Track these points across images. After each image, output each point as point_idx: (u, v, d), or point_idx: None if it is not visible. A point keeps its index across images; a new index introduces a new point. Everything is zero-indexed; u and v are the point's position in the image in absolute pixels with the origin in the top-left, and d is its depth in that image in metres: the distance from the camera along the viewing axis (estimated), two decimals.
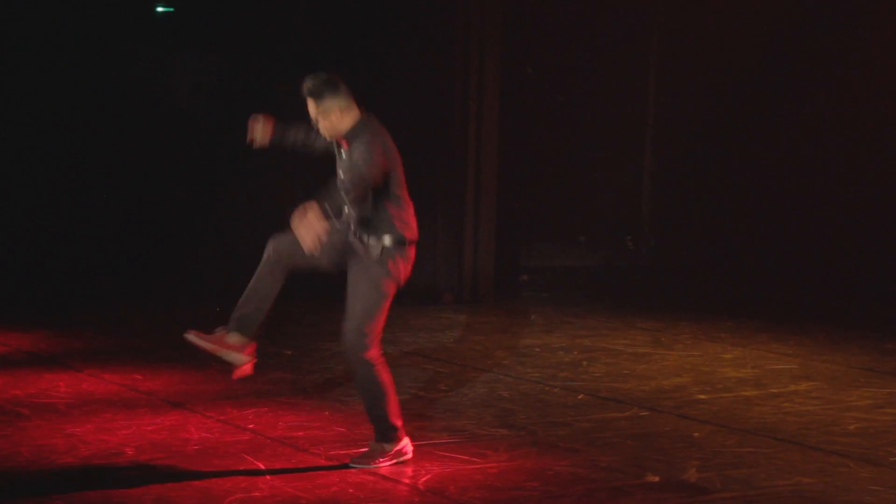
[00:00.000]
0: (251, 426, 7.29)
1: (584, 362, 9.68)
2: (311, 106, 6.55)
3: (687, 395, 8.47)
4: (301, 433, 7.14)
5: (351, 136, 6.54)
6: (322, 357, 9.71)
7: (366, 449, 6.63)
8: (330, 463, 6.54)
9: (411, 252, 6.74)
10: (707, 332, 11.30)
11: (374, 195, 6.52)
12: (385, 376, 6.68)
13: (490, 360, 9.70)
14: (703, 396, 8.45)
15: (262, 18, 14.55)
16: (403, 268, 6.72)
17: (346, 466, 6.46)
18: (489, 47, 12.95)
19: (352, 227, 6.63)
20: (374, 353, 6.70)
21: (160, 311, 12.11)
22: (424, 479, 6.29)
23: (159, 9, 14.40)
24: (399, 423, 6.60)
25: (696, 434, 7.36)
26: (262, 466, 6.42)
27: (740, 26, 13.66)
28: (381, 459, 6.52)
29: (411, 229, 6.75)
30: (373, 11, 13.70)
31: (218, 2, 14.40)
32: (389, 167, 6.58)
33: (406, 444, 6.64)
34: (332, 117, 6.51)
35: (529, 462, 6.65)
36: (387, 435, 6.57)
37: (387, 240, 6.61)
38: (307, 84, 6.57)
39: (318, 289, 13.92)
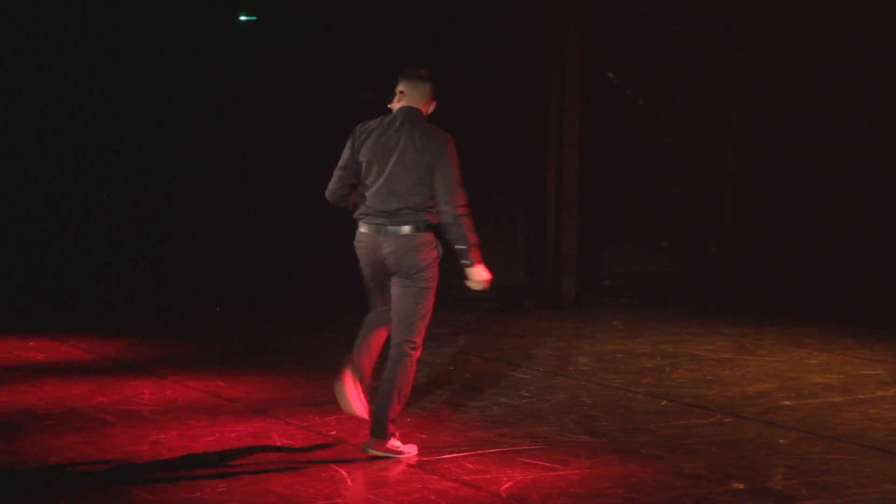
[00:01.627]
0: (333, 433, 7.31)
1: (667, 368, 9.60)
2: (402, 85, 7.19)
3: (772, 402, 8.38)
4: None
5: None
6: None
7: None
8: (412, 469, 6.54)
9: (357, 237, 6.95)
10: (791, 337, 11.17)
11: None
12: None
13: (572, 367, 9.66)
14: (788, 402, 8.35)
15: (343, 27, 14.62)
16: (357, 246, 6.94)
17: (428, 472, 6.46)
18: (570, 53, 12.91)
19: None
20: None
21: (242, 318, 12.20)
22: (506, 485, 6.26)
23: (242, 17, 14.51)
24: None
25: (781, 441, 7.27)
26: (345, 473, 6.43)
27: (824, 32, 13.50)
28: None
29: (358, 214, 6.96)
30: (453, 18, 13.69)
31: (300, 10, 14.49)
32: (347, 156, 7.06)
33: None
34: (394, 99, 7.16)
35: (612, 469, 6.60)
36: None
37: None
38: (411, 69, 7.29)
39: None
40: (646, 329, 11.63)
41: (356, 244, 6.96)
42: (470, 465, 6.60)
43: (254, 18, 14.59)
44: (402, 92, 7.15)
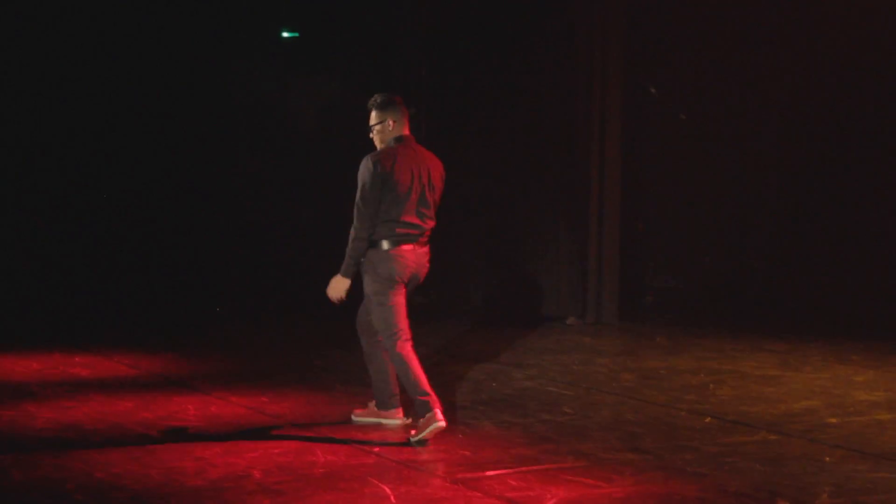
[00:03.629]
0: (376, 449, 7.32)
1: (711, 385, 9.55)
2: (373, 116, 7.80)
3: (817, 419, 8.32)
4: (426, 456, 7.14)
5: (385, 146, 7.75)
6: (446, 380, 9.72)
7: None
8: (455, 486, 6.53)
9: (396, 255, 7.60)
10: (837, 354, 11.10)
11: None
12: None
13: (615, 383, 9.63)
14: (833, 420, 8.29)
15: (384, 44, 14.68)
16: (384, 269, 7.59)
17: (472, 489, 6.45)
18: (612, 69, 12.89)
19: None
20: (401, 346, 7.64)
21: (285, 334, 12.25)
22: (550, 503, 6.24)
23: (285, 33, 14.60)
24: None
25: (827, 459, 7.21)
26: (388, 490, 6.43)
27: (861, 48, 13.42)
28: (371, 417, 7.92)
29: (393, 240, 7.62)
30: (494, 34, 13.72)
31: (342, 26, 14.56)
32: (375, 182, 7.54)
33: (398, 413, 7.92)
34: (385, 127, 7.75)
35: (656, 487, 6.57)
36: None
37: (371, 250, 7.63)
38: (375, 97, 7.84)
39: (439, 315, 13.98)
40: (689, 345, 11.58)
41: (399, 261, 7.61)
42: (513, 483, 6.58)
43: (296, 35, 14.67)
44: (394, 121, 7.79)
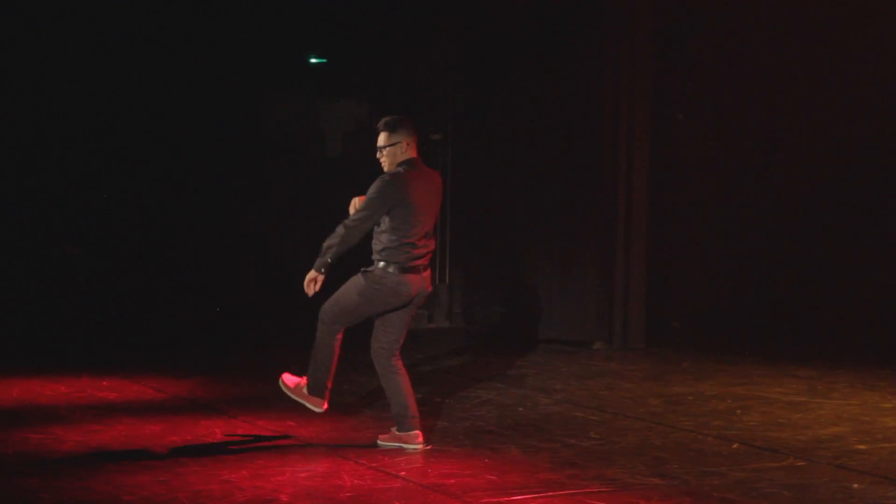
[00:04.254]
0: (403, 473, 7.32)
1: (738, 410, 9.52)
2: (383, 137, 7.87)
3: (845, 445, 8.28)
4: (452, 481, 7.14)
5: (396, 167, 7.85)
6: (473, 404, 9.72)
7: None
8: None
9: (404, 279, 7.83)
10: (864, 380, 11.04)
11: (381, 222, 7.82)
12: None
13: (642, 408, 9.61)
14: (862, 447, 8.25)
15: (411, 69, 14.73)
16: (392, 291, 7.84)
17: None
18: (639, 96, 12.90)
19: None
20: (337, 334, 7.99)
21: (307, 358, 12.24)
22: None
23: (312, 59, 14.67)
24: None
25: (855, 486, 7.17)
26: None
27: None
28: (298, 396, 8.07)
29: (406, 260, 7.83)
30: (521, 58, 13.75)
31: (370, 52, 14.63)
32: (386, 205, 7.75)
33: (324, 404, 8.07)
34: (397, 149, 7.85)
35: None
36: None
37: (381, 263, 7.84)
38: (385, 119, 7.91)
39: (464, 338, 13.99)
40: (716, 371, 11.55)
41: (406, 286, 7.86)
42: None
43: (324, 61, 14.74)
44: (408, 143, 7.90)
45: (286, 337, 13.40)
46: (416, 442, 7.99)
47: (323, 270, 7.83)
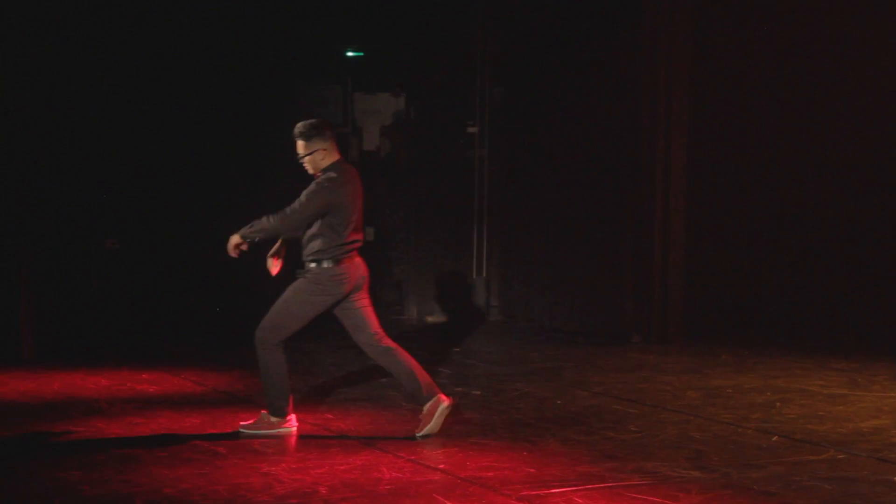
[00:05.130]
0: (441, 466, 7.33)
1: (778, 403, 9.49)
2: (301, 146, 8.09)
3: (886, 438, 8.23)
4: (491, 473, 7.14)
5: (325, 171, 8.07)
6: (511, 397, 9.72)
7: (256, 419, 8.22)
8: (520, 503, 6.54)
9: (342, 270, 8.08)
10: None
11: (312, 225, 8.05)
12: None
13: (681, 401, 9.58)
14: None
15: (449, 63, 14.73)
16: (333, 287, 8.08)
17: None
18: (678, 94, 12.86)
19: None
20: (278, 345, 8.13)
21: (348, 351, 12.28)
22: None
23: (349, 53, 14.69)
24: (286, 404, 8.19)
25: None
26: None
27: None
28: (268, 427, 8.13)
29: (337, 258, 8.08)
30: (558, 54, 13.73)
31: (406, 45, 14.63)
32: (327, 207, 7.99)
33: (292, 419, 8.23)
34: (317, 156, 8.08)
35: None
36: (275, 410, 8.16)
37: (313, 264, 8.06)
38: (298, 127, 8.10)
39: (503, 333, 13.99)
40: (755, 364, 11.50)
41: (343, 275, 8.08)
42: (579, 500, 6.57)
43: (361, 55, 14.76)
44: (324, 150, 8.10)
45: (321, 330, 13.42)
46: (445, 403, 8.11)
47: (247, 240, 8.07)
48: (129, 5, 13.60)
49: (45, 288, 12.27)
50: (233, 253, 8.09)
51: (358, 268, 8.18)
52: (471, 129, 14.77)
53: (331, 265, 8.07)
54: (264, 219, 8.04)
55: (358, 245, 8.20)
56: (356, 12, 14.46)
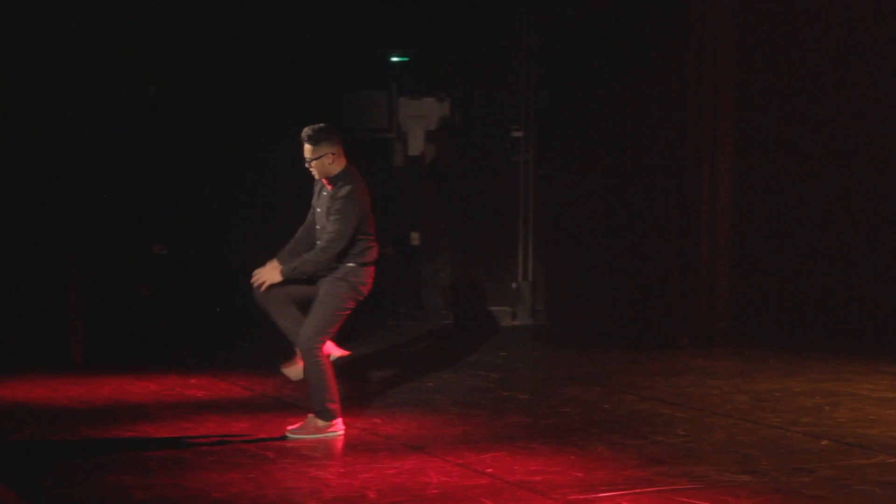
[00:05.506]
0: (489, 470, 7.33)
1: (827, 407, 9.43)
2: (308, 150, 8.14)
3: None
4: (539, 477, 7.14)
5: (335, 179, 8.18)
6: (558, 401, 9.71)
7: (303, 422, 8.28)
8: None
9: (370, 272, 8.30)
10: None
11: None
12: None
13: (729, 405, 9.54)
14: None
15: (494, 67, 14.73)
16: (363, 287, 8.27)
17: None
18: (723, 85, 12.80)
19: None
20: (322, 351, 8.22)
21: (396, 356, 12.32)
22: None
23: (394, 58, 14.71)
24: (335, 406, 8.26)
25: None
26: None
27: None
28: (315, 432, 8.19)
29: (370, 256, 8.29)
30: (603, 56, 13.71)
31: (452, 49, 14.64)
32: (361, 217, 8.14)
33: (339, 423, 8.28)
34: (325, 161, 8.13)
35: None
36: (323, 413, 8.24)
37: (351, 262, 8.17)
38: (306, 131, 8.15)
39: (549, 337, 13.97)
40: (803, 367, 11.43)
41: (370, 276, 8.31)
42: None
43: (406, 59, 14.78)
44: (333, 154, 8.17)
45: (373, 334, 13.46)
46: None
47: (286, 277, 8.12)
48: (176, 13, 13.66)
49: (94, 294, 12.35)
50: (263, 284, 8.14)
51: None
52: (516, 133, 14.74)
53: (363, 268, 8.24)
54: (306, 256, 8.14)
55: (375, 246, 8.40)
56: (401, 17, 14.47)
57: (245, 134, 13.92)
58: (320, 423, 8.25)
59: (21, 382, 10.45)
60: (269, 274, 8.11)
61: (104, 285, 12.82)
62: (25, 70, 12.30)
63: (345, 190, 8.13)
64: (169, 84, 13.86)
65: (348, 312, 8.28)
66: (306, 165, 8.23)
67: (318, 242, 8.20)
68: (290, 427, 8.32)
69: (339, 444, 8.11)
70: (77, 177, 12.40)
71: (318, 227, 8.32)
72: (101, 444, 8.11)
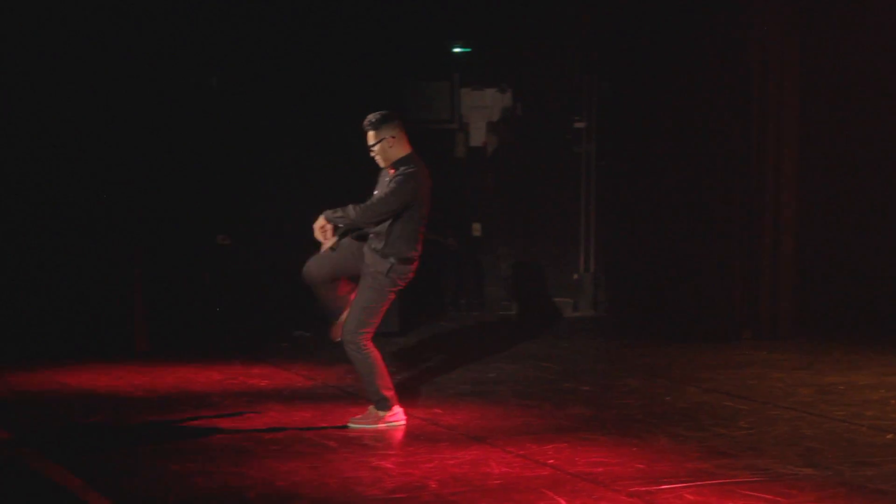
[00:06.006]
0: (551, 461, 7.32)
1: (893, 400, 9.33)
2: (371, 136, 8.13)
3: None
4: (601, 469, 7.12)
5: (398, 164, 8.14)
6: (621, 392, 9.69)
7: (365, 412, 8.31)
8: (630, 499, 6.50)
9: (413, 266, 8.26)
10: None
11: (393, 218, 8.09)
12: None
13: (792, 398, 9.47)
14: None
15: (556, 58, 14.70)
16: (401, 281, 8.23)
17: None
18: (788, 78, 12.71)
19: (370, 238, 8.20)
20: (368, 342, 8.24)
21: (457, 347, 12.33)
22: None
23: (457, 49, 14.71)
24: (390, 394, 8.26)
25: None
26: (563, 502, 6.42)
27: None
28: (376, 421, 8.21)
29: (416, 249, 8.24)
30: (666, 48, 13.64)
31: (514, 40, 14.62)
32: (413, 200, 8.07)
33: (399, 412, 8.30)
34: (385, 144, 8.12)
35: None
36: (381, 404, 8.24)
37: (393, 258, 8.11)
38: (367, 118, 8.14)
39: (612, 329, 13.93)
40: (869, 360, 11.32)
41: (413, 269, 8.28)
42: (689, 497, 6.53)
43: (468, 50, 14.78)
44: (393, 137, 8.16)
45: (434, 325, 13.49)
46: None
47: (331, 223, 8.10)
48: (238, 6, 13.73)
49: (159, 283, 12.46)
50: (318, 235, 8.14)
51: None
52: (578, 125, 14.71)
53: (406, 265, 8.19)
54: (350, 207, 8.09)
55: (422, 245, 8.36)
56: (463, 8, 14.48)
57: (309, 126, 13.97)
58: (381, 412, 8.27)
59: (86, 371, 10.57)
60: (319, 233, 8.12)
61: (168, 275, 12.93)
62: (95, 66, 12.43)
63: (404, 170, 8.12)
64: (232, 77, 13.94)
65: (388, 305, 8.29)
66: (371, 154, 8.24)
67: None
68: (352, 417, 8.35)
69: (400, 434, 8.13)
70: (141, 168, 12.51)
71: None
72: (165, 432, 8.18)
